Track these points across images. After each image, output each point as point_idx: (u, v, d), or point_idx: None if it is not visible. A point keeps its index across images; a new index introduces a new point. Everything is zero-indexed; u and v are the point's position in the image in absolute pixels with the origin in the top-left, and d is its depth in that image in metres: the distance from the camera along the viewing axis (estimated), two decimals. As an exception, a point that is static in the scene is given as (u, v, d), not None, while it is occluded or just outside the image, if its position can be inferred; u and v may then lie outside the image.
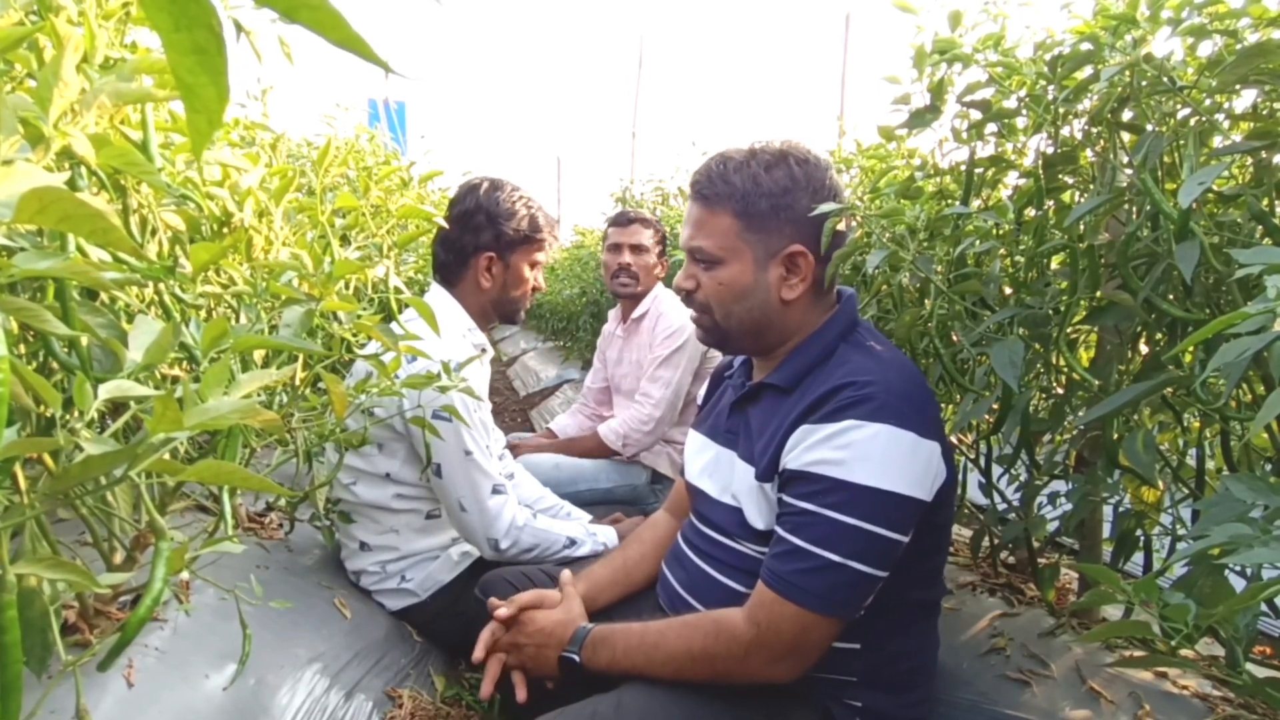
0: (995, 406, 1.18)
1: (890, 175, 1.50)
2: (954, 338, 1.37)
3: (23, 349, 0.87)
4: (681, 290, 1.22)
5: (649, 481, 2.54)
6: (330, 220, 1.21)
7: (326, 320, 1.09)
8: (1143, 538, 1.21)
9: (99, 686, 0.88)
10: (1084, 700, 1.12)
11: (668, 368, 2.44)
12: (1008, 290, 1.27)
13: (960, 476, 1.59)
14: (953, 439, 1.50)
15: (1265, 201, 0.94)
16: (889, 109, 1.26)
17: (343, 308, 1.03)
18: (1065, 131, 1.14)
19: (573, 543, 1.65)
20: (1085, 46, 1.03)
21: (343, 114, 2.31)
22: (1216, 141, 1.01)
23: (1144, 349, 1.17)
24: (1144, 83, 0.97)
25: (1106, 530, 1.30)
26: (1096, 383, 1.11)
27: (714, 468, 1.24)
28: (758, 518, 1.11)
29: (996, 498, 1.51)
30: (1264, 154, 0.95)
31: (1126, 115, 1.06)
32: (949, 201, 1.38)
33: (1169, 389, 1.00)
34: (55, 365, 0.85)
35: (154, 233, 0.96)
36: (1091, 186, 1.13)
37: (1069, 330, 1.18)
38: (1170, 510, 1.20)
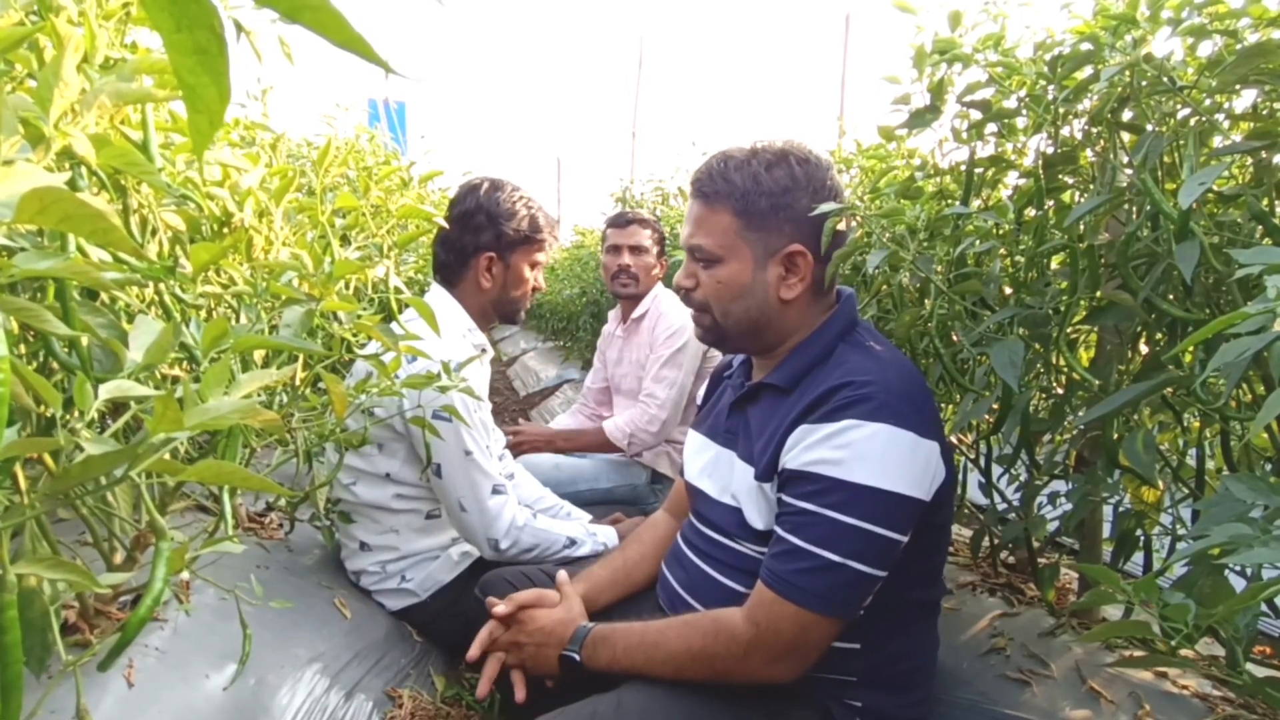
0: (995, 406, 1.18)
1: (890, 175, 1.50)
2: (954, 338, 1.37)
3: (23, 349, 0.87)
4: (681, 288, 1.22)
5: (649, 481, 2.53)
6: (330, 220, 1.21)
7: (326, 320, 1.09)
8: (1143, 538, 1.21)
9: (99, 686, 0.88)
10: (1084, 700, 1.12)
11: (671, 367, 2.43)
12: (1008, 290, 1.27)
13: (960, 476, 1.59)
14: (953, 439, 1.50)
15: (1265, 201, 0.94)
16: (889, 109, 1.26)
17: (343, 308, 1.03)
18: (1065, 131, 1.14)
19: (573, 543, 1.65)
20: (1085, 46, 1.03)
21: (343, 114, 2.31)
22: (1216, 141, 1.01)
23: (1144, 349, 1.17)
24: (1144, 83, 0.97)
25: (1106, 530, 1.30)
26: (1096, 383, 1.11)
27: (713, 468, 1.24)
28: (757, 518, 1.11)
29: (996, 498, 1.50)
30: (1264, 154, 0.95)
31: (1126, 115, 1.06)
32: (949, 201, 1.38)
33: (1169, 389, 1.00)
34: (55, 365, 0.85)
35: (154, 233, 0.96)
36: (1091, 186, 1.13)
37: (1069, 330, 1.18)
38: (1170, 510, 1.20)
